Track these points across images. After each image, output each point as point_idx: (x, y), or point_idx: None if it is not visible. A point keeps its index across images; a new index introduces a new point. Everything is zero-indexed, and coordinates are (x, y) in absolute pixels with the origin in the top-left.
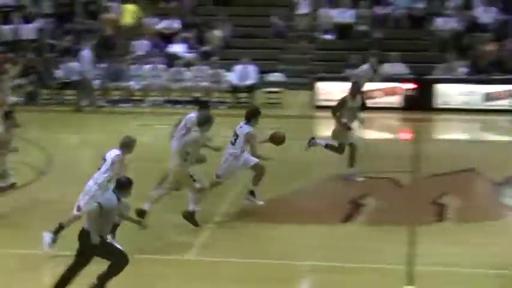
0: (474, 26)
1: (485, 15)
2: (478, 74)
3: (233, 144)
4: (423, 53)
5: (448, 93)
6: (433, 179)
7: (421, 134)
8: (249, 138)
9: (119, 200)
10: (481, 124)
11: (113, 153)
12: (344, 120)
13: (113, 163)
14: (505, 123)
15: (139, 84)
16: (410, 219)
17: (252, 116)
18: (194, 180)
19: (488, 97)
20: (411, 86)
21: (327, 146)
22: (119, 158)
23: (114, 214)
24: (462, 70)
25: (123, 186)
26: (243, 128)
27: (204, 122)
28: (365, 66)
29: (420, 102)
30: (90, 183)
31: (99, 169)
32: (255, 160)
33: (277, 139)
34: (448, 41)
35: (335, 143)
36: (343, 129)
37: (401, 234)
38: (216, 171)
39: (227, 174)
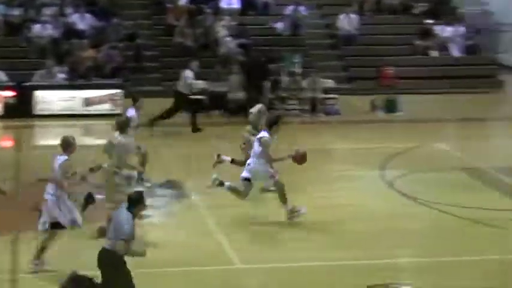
0: (71, 33)
1: (81, 22)
2: (77, 80)
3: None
4: (21, 60)
5: (48, 100)
6: (34, 186)
7: (21, 142)
8: (263, 144)
9: (134, 217)
10: (82, 129)
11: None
12: None
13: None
14: (105, 127)
15: None
16: (12, 228)
17: (272, 124)
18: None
19: (88, 102)
20: (10, 93)
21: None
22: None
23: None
24: (61, 76)
25: (138, 200)
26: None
27: (125, 125)
28: (187, 72)
29: (20, 110)
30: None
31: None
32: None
33: (299, 159)
34: (46, 48)
35: None
36: None
37: (3, 243)
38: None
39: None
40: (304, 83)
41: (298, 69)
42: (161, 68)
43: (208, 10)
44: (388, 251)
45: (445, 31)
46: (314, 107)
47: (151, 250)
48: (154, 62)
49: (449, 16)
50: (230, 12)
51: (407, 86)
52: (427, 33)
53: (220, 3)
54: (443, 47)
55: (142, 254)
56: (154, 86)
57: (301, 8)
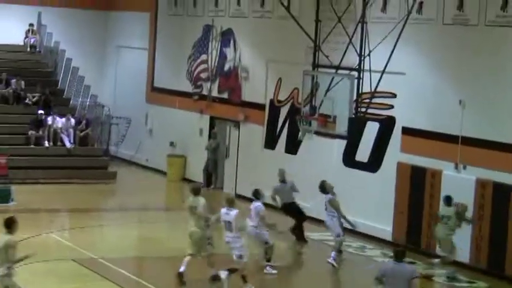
0: None
1: None
2: None
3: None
4: None
5: None
6: None
7: None
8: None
9: None
10: None
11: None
12: None
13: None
14: None
15: None
16: None
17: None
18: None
19: None
20: None
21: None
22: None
23: None
24: None
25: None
26: None
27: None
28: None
29: None
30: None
31: None
32: None
33: None
34: None
35: None
36: None
37: None
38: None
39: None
40: None
41: None
42: None
43: None
44: None
45: (57, 122)
46: None
47: None
48: None
49: (61, 107)
50: None
51: (21, 175)
52: (40, 124)
53: None
54: (56, 137)
55: None
56: None
57: None
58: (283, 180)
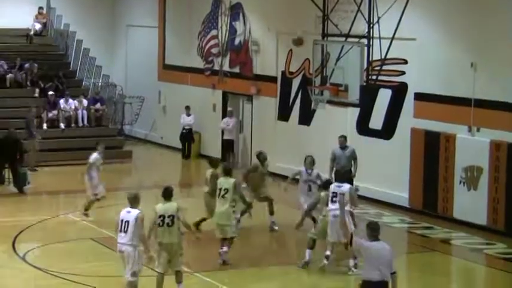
0: None
1: None
2: None
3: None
4: None
5: None
6: None
7: None
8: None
9: None
10: None
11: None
12: None
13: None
14: None
15: None
16: None
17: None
18: None
19: None
20: None
21: None
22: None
23: None
24: None
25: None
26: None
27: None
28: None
29: None
30: None
31: None
32: None
33: None
34: None
35: None
36: None
37: None
38: None
39: None
40: None
41: None
42: None
43: None
44: None
45: (70, 103)
46: None
47: None
48: None
49: (74, 89)
50: None
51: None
52: (53, 106)
53: None
54: (70, 119)
55: None
56: None
57: None
58: (343, 147)
